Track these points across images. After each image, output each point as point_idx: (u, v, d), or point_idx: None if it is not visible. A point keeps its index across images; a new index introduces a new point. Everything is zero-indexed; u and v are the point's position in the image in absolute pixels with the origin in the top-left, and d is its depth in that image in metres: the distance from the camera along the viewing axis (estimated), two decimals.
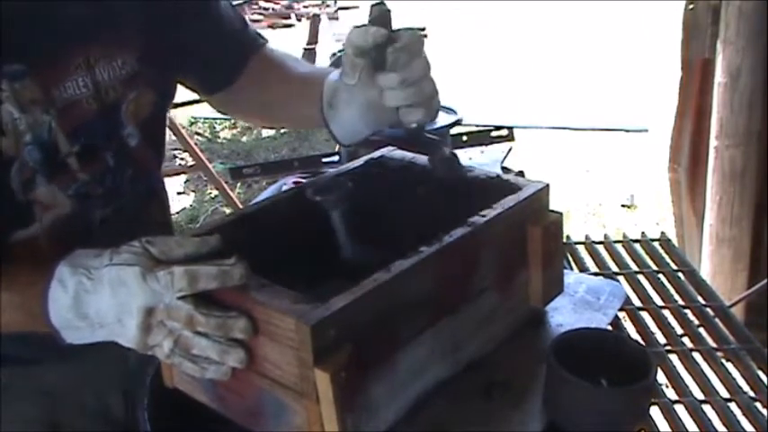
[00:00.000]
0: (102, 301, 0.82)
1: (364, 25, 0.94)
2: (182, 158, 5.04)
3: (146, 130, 1.09)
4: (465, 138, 2.14)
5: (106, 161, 1.03)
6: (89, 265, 0.84)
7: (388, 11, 0.93)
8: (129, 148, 1.07)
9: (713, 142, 2.66)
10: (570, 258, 1.54)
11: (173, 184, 4.78)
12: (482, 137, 2.23)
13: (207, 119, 5.55)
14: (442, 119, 1.70)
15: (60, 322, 0.84)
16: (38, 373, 1.05)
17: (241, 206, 3.52)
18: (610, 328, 1.14)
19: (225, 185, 3.84)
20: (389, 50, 0.93)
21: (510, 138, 2.26)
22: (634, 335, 1.30)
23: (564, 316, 1.12)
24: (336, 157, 1.90)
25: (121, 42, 1.03)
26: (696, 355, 1.26)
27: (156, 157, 1.15)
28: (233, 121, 5.43)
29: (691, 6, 2.73)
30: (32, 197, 0.96)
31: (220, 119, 5.47)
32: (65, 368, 1.06)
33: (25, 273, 0.89)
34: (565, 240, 1.48)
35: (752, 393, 1.17)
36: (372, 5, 0.94)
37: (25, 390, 1.04)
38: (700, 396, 1.17)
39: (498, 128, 2.28)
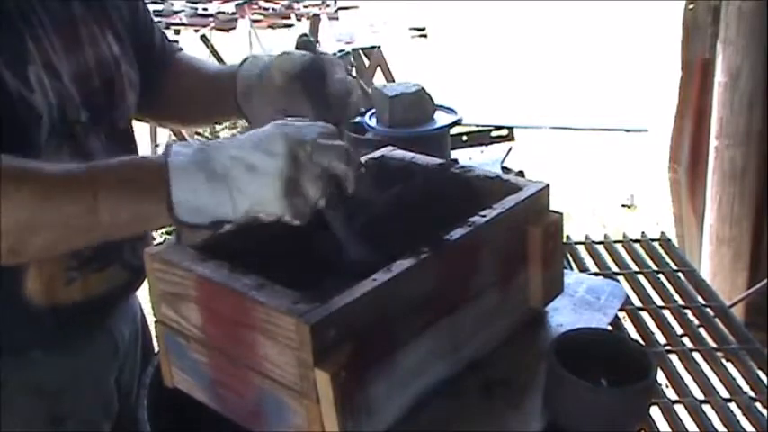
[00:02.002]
0: (230, 152, 0.79)
1: (290, 52, 1.04)
2: None
3: (130, 113, 1.14)
4: (465, 138, 2.13)
5: (101, 137, 1.06)
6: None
7: (312, 41, 1.05)
8: (119, 130, 1.10)
9: (713, 142, 2.66)
10: (570, 258, 1.54)
11: None
12: (482, 137, 2.22)
13: None
14: (442, 119, 1.70)
15: (178, 185, 0.78)
16: (35, 368, 1.05)
17: None
18: (610, 328, 1.13)
19: None
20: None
21: (510, 138, 2.25)
22: (634, 335, 1.30)
23: (564, 316, 1.12)
24: None
25: (108, 25, 1.09)
26: (696, 355, 1.26)
27: (135, 146, 1.19)
28: (233, 121, 5.43)
29: (691, 6, 2.73)
30: (47, 159, 0.97)
31: None
32: (61, 362, 1.07)
33: (128, 157, 0.87)
34: (565, 240, 1.48)
35: (752, 393, 1.17)
36: (298, 37, 1.05)
37: (25, 387, 1.05)
38: (700, 396, 1.17)
39: (498, 128, 2.27)
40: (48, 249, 0.86)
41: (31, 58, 0.94)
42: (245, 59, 1.13)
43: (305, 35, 1.05)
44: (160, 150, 5.08)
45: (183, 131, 4.64)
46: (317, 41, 5.51)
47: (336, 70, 1.02)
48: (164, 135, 5.13)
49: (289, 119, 0.84)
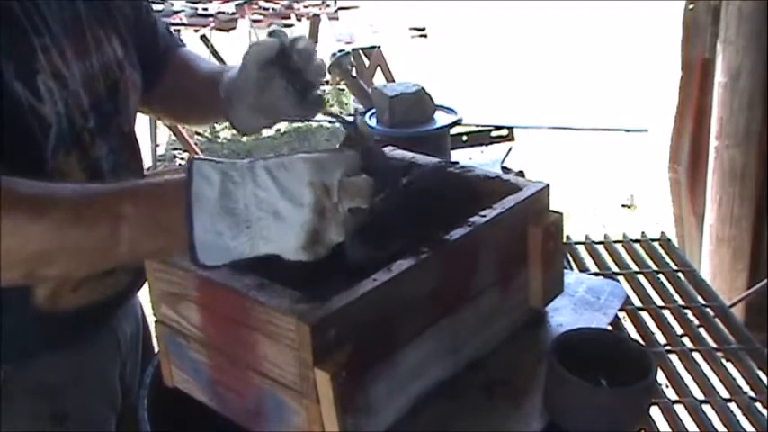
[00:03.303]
0: (255, 191, 0.75)
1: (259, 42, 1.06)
2: (182, 158, 5.05)
3: (133, 116, 1.13)
4: (465, 138, 2.14)
5: (107, 142, 1.05)
6: (231, 163, 0.76)
7: (280, 30, 1.06)
8: (124, 132, 1.10)
9: (713, 142, 2.66)
10: (570, 258, 1.54)
11: None
12: (482, 137, 2.22)
13: None
14: (442, 119, 1.70)
15: (201, 224, 0.74)
16: (38, 367, 1.05)
17: None
18: (610, 328, 1.13)
19: None
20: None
21: (510, 138, 2.26)
22: (634, 335, 1.30)
23: (564, 316, 1.12)
24: None
25: (113, 28, 1.08)
26: (696, 355, 1.26)
27: (139, 149, 1.18)
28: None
29: (691, 6, 2.73)
30: (55, 165, 0.97)
31: None
32: (64, 361, 1.07)
33: (143, 185, 0.82)
34: (565, 240, 1.48)
35: (752, 393, 1.17)
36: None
37: (27, 384, 1.04)
38: (700, 396, 1.17)
39: (498, 128, 2.27)
40: (63, 275, 0.85)
41: (40, 67, 0.93)
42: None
43: (273, 31, 1.06)
44: (160, 150, 5.08)
45: (183, 132, 4.65)
46: (317, 41, 5.51)
47: (298, 43, 1.02)
48: (163, 136, 5.13)
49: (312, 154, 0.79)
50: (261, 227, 0.75)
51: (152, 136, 4.80)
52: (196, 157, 0.78)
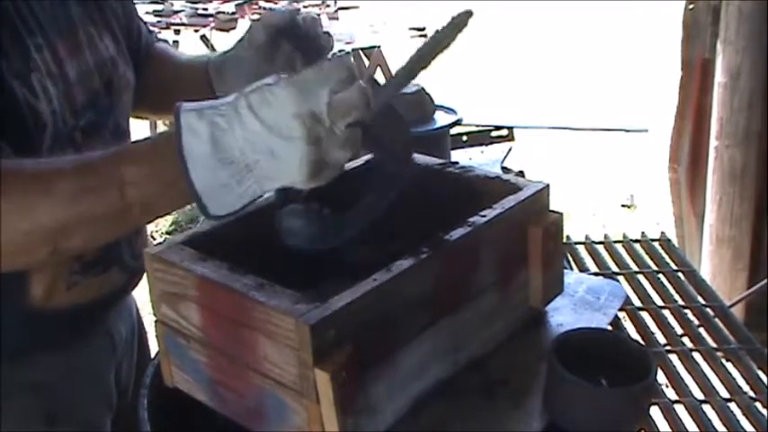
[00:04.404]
0: (244, 135, 0.73)
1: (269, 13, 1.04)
2: None
3: (128, 113, 1.14)
4: (465, 138, 2.14)
5: (105, 138, 1.06)
6: (216, 104, 0.75)
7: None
8: (120, 130, 1.10)
9: (713, 142, 2.66)
10: (570, 258, 1.54)
11: None
12: (482, 137, 2.23)
13: None
14: (442, 119, 1.70)
15: (202, 180, 0.75)
16: (32, 366, 1.05)
17: None
18: (610, 328, 1.13)
19: None
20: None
21: (510, 138, 2.26)
22: (634, 335, 1.30)
23: (564, 316, 1.12)
24: None
25: (105, 26, 1.09)
26: (696, 355, 1.26)
27: None
28: None
29: (691, 6, 2.73)
30: None
31: None
32: (59, 360, 1.07)
33: (137, 146, 0.84)
34: (565, 240, 1.48)
35: (752, 393, 1.17)
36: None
37: (21, 385, 1.04)
38: (700, 396, 1.17)
39: (498, 128, 2.28)
40: (88, 245, 0.86)
41: (35, 66, 0.94)
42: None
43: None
44: None
45: None
46: None
47: (303, 15, 1.02)
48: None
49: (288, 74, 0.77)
50: (261, 167, 0.75)
51: (152, 134, 4.79)
52: (183, 106, 0.76)
